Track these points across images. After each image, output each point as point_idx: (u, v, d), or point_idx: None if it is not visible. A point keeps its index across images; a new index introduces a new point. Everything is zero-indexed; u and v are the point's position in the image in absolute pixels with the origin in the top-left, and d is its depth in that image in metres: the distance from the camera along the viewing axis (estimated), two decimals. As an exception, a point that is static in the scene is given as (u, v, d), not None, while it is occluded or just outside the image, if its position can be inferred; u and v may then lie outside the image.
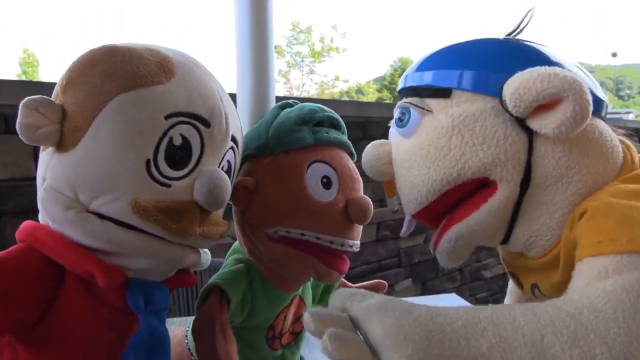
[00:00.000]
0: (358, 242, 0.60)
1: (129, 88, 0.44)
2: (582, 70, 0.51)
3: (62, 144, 0.44)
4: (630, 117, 14.98)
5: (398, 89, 0.60)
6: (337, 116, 0.63)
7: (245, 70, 0.85)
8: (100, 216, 0.44)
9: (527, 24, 0.55)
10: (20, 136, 0.43)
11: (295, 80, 22.91)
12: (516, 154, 0.46)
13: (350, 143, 0.64)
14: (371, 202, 0.58)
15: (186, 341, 0.63)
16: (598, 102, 0.49)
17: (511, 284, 0.71)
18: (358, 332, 0.37)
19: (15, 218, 1.65)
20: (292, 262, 0.57)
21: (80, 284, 0.45)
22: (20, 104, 0.43)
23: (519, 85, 0.44)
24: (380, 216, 2.73)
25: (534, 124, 0.46)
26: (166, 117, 0.45)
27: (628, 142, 0.52)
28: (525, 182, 0.47)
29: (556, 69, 0.43)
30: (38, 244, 0.44)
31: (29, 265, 0.43)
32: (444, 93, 0.51)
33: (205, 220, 0.49)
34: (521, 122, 0.47)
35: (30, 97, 0.44)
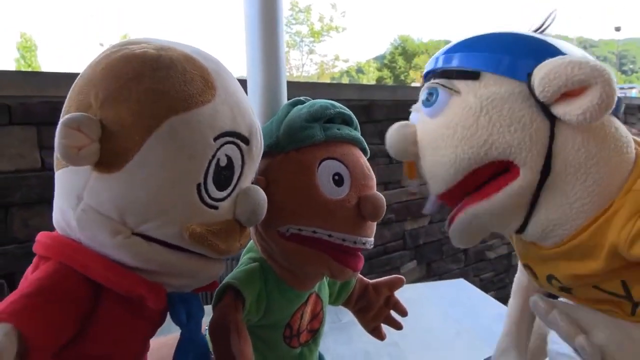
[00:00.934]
0: (372, 239, 0.59)
1: (180, 110, 0.42)
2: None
3: (104, 164, 0.42)
4: (634, 92, 14.83)
5: (425, 71, 0.59)
6: (348, 112, 0.62)
7: (255, 55, 0.83)
8: (146, 237, 0.43)
9: (550, 24, 0.56)
10: (60, 157, 0.40)
11: (295, 61, 22.72)
12: (540, 140, 0.47)
13: (362, 139, 0.62)
14: (384, 199, 0.57)
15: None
16: (617, 102, 0.49)
17: (517, 283, 0.73)
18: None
19: (22, 209, 1.65)
20: (305, 260, 0.56)
21: (118, 301, 0.44)
22: (60, 123, 0.40)
23: (549, 70, 0.46)
24: (386, 199, 2.73)
25: (559, 109, 0.46)
26: (215, 139, 0.44)
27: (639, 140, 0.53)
28: (546, 170, 0.48)
29: (587, 57, 0.45)
30: (77, 265, 0.42)
31: (72, 289, 0.42)
32: (472, 75, 0.52)
33: (243, 234, 0.50)
34: (545, 109, 0.48)
35: (68, 115, 0.40)
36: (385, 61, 34.80)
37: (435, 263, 3.19)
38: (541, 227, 0.50)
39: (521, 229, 0.52)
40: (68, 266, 0.42)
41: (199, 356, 0.49)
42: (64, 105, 0.45)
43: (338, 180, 0.56)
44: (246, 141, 0.48)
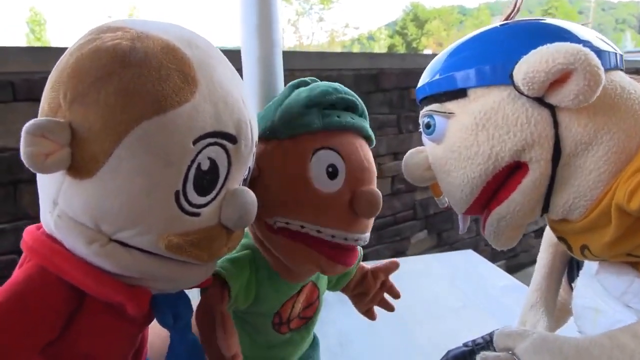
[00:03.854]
0: (366, 235, 0.56)
1: (152, 113, 0.38)
2: (583, 30, 0.51)
3: (75, 169, 0.39)
4: (654, 55, 14.31)
5: (418, 97, 0.60)
6: (353, 97, 0.57)
7: (250, 24, 0.81)
8: (124, 244, 0.41)
9: (517, 12, 0.56)
10: (27, 166, 0.37)
11: (305, 29, 22.36)
12: (542, 132, 0.47)
13: (366, 127, 0.57)
14: (380, 195, 0.54)
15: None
16: (608, 56, 0.49)
17: (546, 238, 0.74)
18: None
19: (30, 185, 1.66)
20: (294, 255, 0.54)
21: (102, 304, 0.43)
22: (23, 131, 0.36)
23: (527, 69, 0.46)
24: (395, 169, 2.71)
25: (552, 99, 0.46)
26: (194, 142, 0.40)
27: None
28: (557, 155, 0.48)
29: (558, 44, 0.44)
30: (57, 269, 0.41)
31: (52, 294, 0.40)
32: (460, 94, 0.53)
33: (230, 237, 0.47)
34: (540, 100, 0.48)
35: (32, 121, 0.37)
36: (397, 28, 34.06)
37: (446, 233, 3.18)
38: (561, 206, 0.51)
39: (544, 210, 0.53)
40: (48, 270, 0.41)
41: (191, 356, 0.49)
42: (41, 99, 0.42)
43: (332, 173, 0.52)
44: (233, 140, 0.44)
